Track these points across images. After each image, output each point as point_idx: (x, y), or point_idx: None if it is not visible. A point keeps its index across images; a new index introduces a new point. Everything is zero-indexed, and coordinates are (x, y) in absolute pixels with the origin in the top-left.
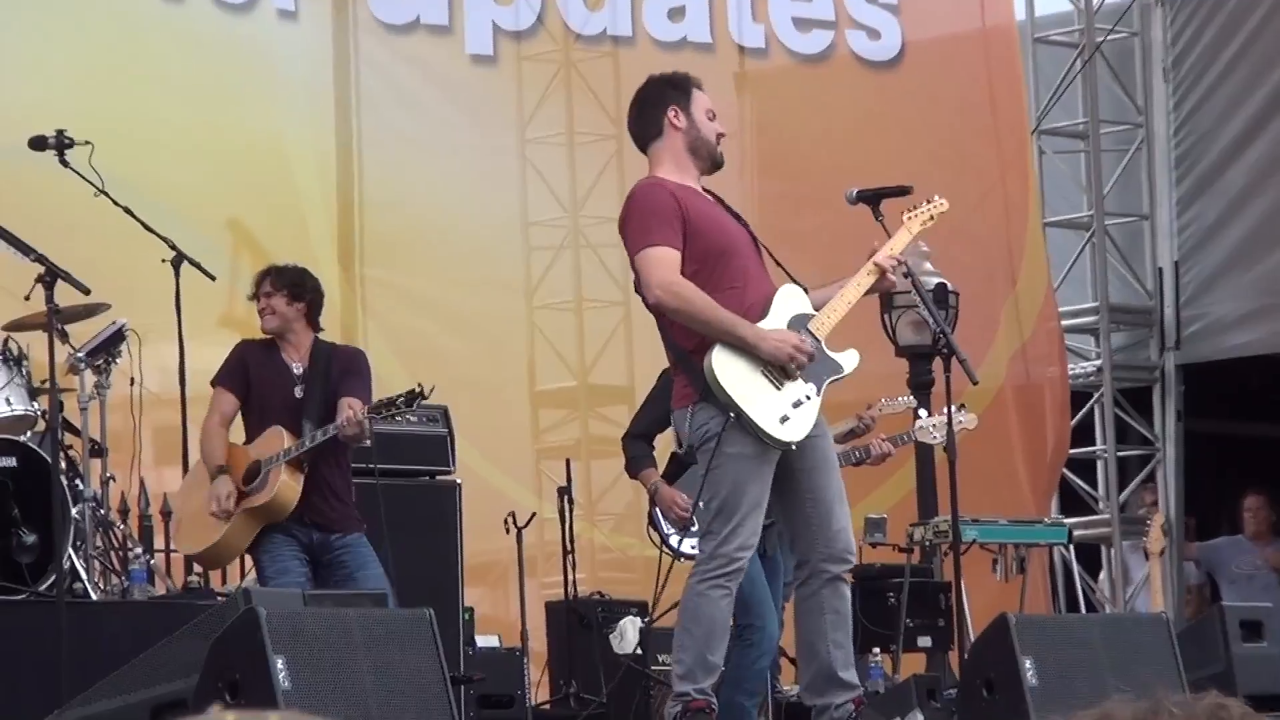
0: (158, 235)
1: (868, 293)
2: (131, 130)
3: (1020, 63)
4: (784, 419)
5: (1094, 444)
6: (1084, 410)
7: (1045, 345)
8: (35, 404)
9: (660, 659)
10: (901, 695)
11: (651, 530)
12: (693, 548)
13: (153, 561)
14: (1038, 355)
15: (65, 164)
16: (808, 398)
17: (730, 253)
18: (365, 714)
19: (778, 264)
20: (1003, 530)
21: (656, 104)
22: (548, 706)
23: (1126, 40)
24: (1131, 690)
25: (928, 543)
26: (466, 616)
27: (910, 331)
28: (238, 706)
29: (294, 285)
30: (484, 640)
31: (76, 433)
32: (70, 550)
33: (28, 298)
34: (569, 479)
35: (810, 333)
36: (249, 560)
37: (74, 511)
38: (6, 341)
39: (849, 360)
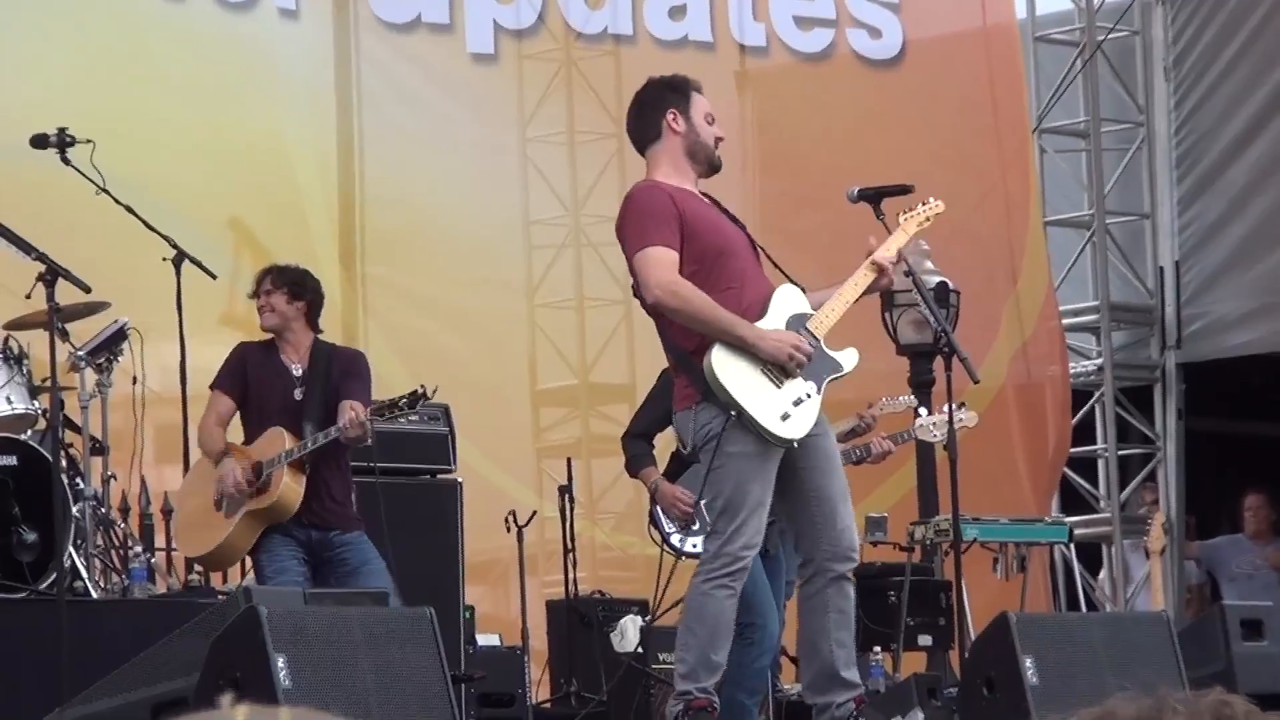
0: (159, 234)
1: (866, 292)
2: (133, 129)
3: (1021, 61)
4: (785, 417)
5: (1095, 443)
6: (1085, 409)
7: (1046, 344)
8: (36, 402)
9: (661, 658)
10: (902, 694)
11: (652, 529)
12: (694, 546)
13: (153, 560)
14: (1039, 354)
15: (67, 162)
16: (808, 396)
17: (727, 253)
18: (366, 712)
19: (775, 266)
20: (1003, 529)
21: (655, 107)
22: (548, 705)
23: (1127, 39)
24: (1134, 688)
25: (928, 541)
26: (467, 615)
27: (911, 330)
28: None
29: (294, 284)
30: (485, 639)
31: (77, 431)
32: (71, 549)
33: (29, 296)
34: (570, 477)
35: (809, 332)
36: (249, 559)
37: (75, 510)
38: (7, 340)
39: (848, 359)
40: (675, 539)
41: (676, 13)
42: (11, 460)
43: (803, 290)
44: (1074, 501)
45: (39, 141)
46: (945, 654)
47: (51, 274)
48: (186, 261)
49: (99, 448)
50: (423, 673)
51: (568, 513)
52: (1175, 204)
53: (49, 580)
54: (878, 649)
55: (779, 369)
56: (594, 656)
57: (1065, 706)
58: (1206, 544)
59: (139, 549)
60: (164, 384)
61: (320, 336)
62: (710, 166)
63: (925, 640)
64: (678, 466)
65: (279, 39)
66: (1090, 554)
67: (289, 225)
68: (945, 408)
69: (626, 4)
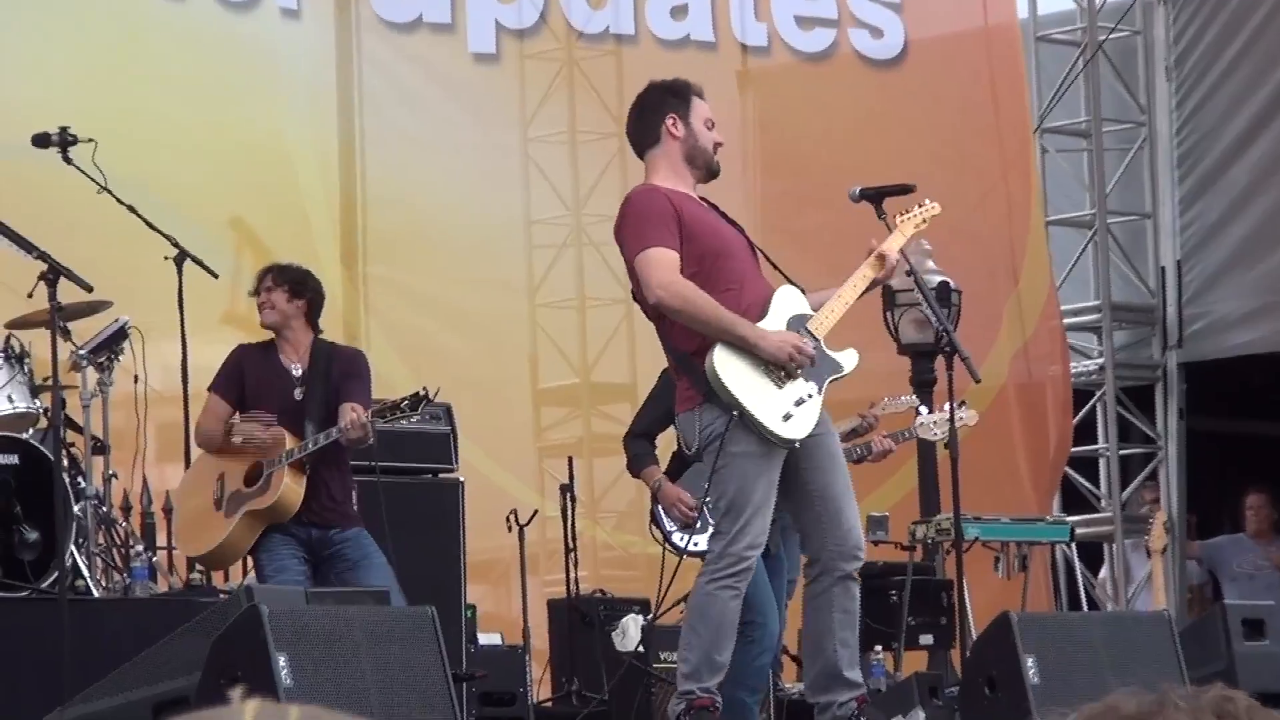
0: (160, 233)
1: (865, 291)
2: (134, 128)
3: (1023, 61)
4: (787, 416)
5: (1096, 442)
6: (1086, 408)
7: (1047, 344)
8: (37, 401)
9: (662, 657)
10: (903, 693)
11: (654, 528)
12: (695, 545)
13: (155, 559)
14: (1040, 354)
15: (68, 161)
16: (809, 396)
17: (726, 255)
18: (367, 711)
19: (775, 267)
20: (1005, 528)
21: (655, 111)
22: (549, 704)
23: (1129, 39)
24: (1136, 686)
25: (930, 540)
26: (468, 614)
27: (913, 329)
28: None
29: (295, 283)
30: (486, 638)
31: (79, 430)
32: (72, 547)
33: (30, 295)
34: (571, 477)
35: (809, 332)
36: (249, 558)
37: (76, 509)
38: (9, 339)
39: (849, 359)
40: (677, 538)
41: (678, 12)
42: (13, 459)
43: (802, 291)
44: (1075, 501)
45: (41, 141)
46: (946, 653)
47: (53, 273)
48: (188, 261)
49: (100, 446)
50: (424, 672)
51: (569, 512)
52: (1177, 204)
53: (50, 579)
54: (879, 648)
55: (780, 369)
56: (595, 655)
57: (1066, 706)
58: (1208, 543)
59: (140, 548)
60: (165, 383)
61: (320, 335)
62: (709, 172)
63: (926, 639)
64: (679, 466)
65: (280, 38)
66: (1091, 553)
67: (290, 224)
68: (945, 406)
69: (628, 4)
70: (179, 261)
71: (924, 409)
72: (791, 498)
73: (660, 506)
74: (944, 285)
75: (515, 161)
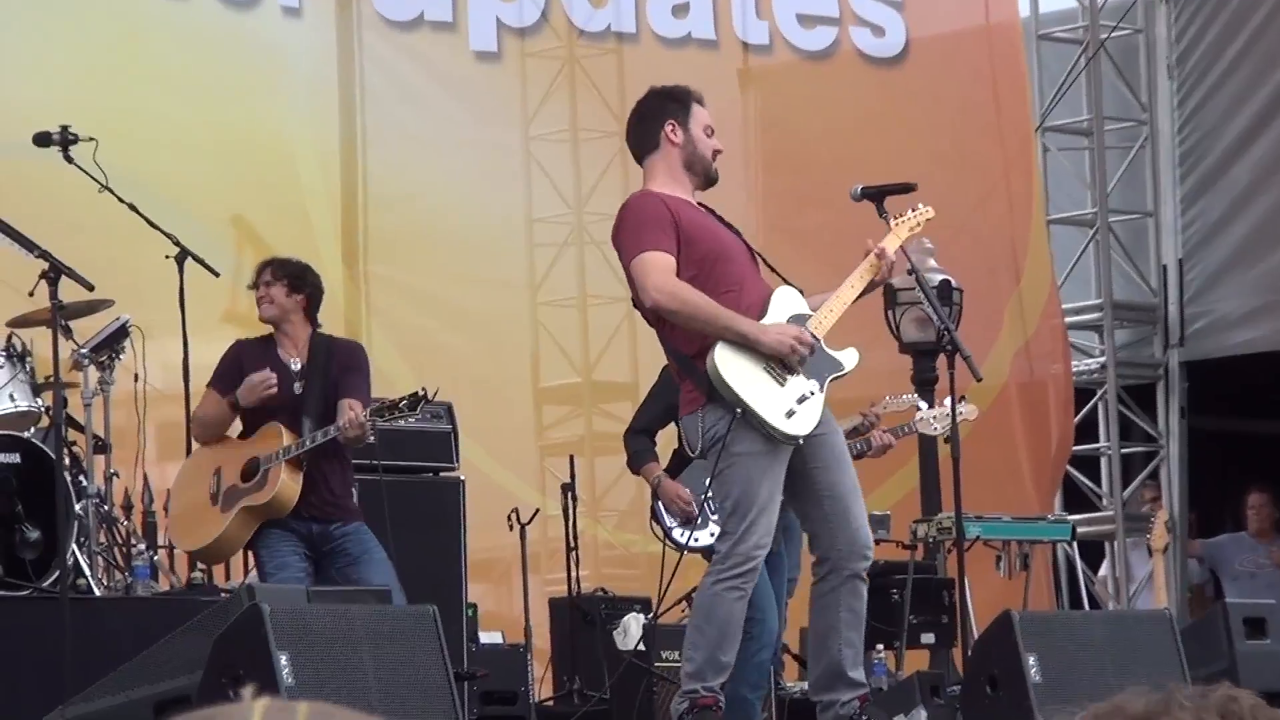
0: (161, 231)
1: (864, 293)
2: (135, 127)
3: (1024, 59)
4: (790, 413)
5: (1097, 441)
6: (1088, 407)
7: (1049, 342)
8: (39, 400)
9: (664, 655)
10: (905, 692)
11: (654, 524)
12: (695, 540)
13: (156, 557)
14: (1041, 352)
15: (70, 160)
16: (812, 393)
17: (724, 258)
18: (369, 710)
19: (773, 270)
20: (1006, 527)
21: (654, 117)
22: (551, 703)
23: (1131, 37)
24: (1142, 685)
25: (931, 539)
26: (470, 613)
27: (914, 328)
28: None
29: (294, 277)
30: (487, 637)
31: (80, 429)
32: (74, 546)
33: (32, 294)
34: (572, 475)
35: (809, 331)
36: (249, 555)
37: (77, 507)
38: (10, 338)
39: (849, 358)
40: (677, 534)
41: (680, 10)
42: (14, 458)
43: (801, 292)
44: (1076, 500)
45: (42, 139)
46: (948, 652)
47: (54, 271)
48: (189, 259)
49: (102, 445)
50: (425, 670)
51: (570, 510)
52: (1178, 202)
53: (52, 578)
54: (880, 647)
55: (782, 366)
56: (596, 654)
57: (1068, 704)
58: (1209, 542)
59: (142, 546)
60: (166, 381)
61: (319, 330)
62: (707, 179)
63: (928, 638)
64: (680, 463)
65: (282, 37)
66: (1093, 552)
67: (292, 223)
68: (945, 401)
69: (630, 2)
70: (180, 260)
71: (923, 404)
72: (799, 497)
73: (660, 502)
74: (945, 284)
75: (517, 160)
